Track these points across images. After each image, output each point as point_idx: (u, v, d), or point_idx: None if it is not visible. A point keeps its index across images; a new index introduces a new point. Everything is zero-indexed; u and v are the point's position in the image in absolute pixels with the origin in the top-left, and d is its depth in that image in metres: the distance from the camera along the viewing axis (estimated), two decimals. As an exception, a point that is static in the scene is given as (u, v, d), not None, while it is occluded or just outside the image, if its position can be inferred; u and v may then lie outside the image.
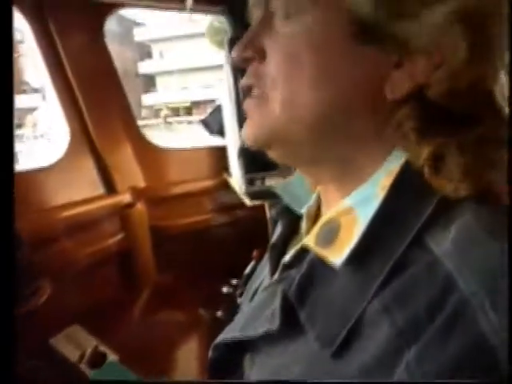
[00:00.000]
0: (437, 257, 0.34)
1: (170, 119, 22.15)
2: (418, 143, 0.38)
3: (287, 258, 0.46)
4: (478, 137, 0.36)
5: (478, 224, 0.35)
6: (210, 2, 1.72)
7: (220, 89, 1.71)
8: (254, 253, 1.36)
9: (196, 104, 23.76)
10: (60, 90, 1.51)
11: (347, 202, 0.41)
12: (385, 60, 0.38)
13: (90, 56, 1.58)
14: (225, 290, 1.57)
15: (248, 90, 0.44)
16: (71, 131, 1.53)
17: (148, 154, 1.71)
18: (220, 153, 1.82)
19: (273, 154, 0.45)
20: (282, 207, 0.56)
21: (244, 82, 0.44)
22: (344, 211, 0.41)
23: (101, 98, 1.61)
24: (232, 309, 1.56)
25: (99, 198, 1.54)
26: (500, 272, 0.31)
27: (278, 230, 0.55)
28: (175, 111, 24.35)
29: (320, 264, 0.40)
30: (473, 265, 0.32)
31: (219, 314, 1.57)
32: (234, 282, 1.58)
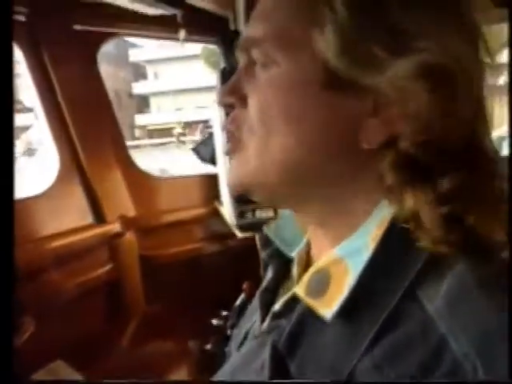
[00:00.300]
0: (429, 315, 0.33)
1: (183, 138, 21.72)
2: (400, 197, 0.37)
3: (277, 306, 0.46)
4: (456, 188, 0.36)
5: (471, 279, 0.34)
6: (202, 32, 1.75)
7: (212, 118, 1.72)
8: (244, 285, 1.34)
9: (189, 125, 23.90)
10: (51, 119, 1.51)
11: (337, 252, 0.41)
12: (359, 108, 0.38)
13: (83, 85, 1.59)
14: (214, 321, 1.54)
15: (229, 136, 0.45)
16: (61, 159, 1.52)
17: (138, 182, 1.70)
18: (211, 181, 1.82)
19: (255, 198, 0.45)
20: (272, 250, 0.55)
21: (226, 127, 0.45)
22: (334, 261, 0.41)
23: (92, 127, 1.61)
24: (221, 341, 1.53)
25: (88, 227, 1.52)
26: (493, 331, 0.30)
27: (269, 274, 0.54)
28: (168, 132, 24.43)
29: (310, 315, 0.40)
30: (465, 325, 0.31)
31: (208, 346, 1.53)
32: (224, 313, 1.55)
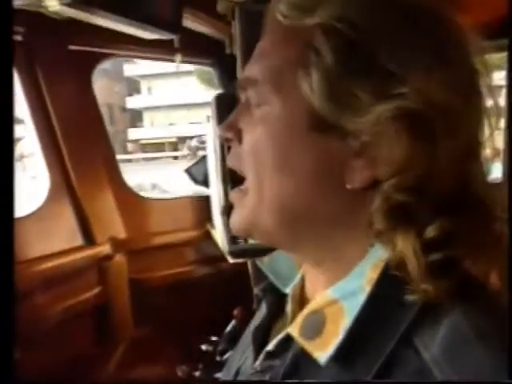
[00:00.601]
0: (425, 363, 0.33)
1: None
2: (390, 242, 0.37)
3: (271, 346, 0.45)
4: (444, 235, 0.36)
5: (467, 328, 0.34)
6: (198, 55, 1.76)
7: (207, 140, 1.72)
8: (235, 312, 1.33)
9: (182, 140, 23.96)
10: (43, 139, 1.49)
11: (333, 293, 0.41)
12: (344, 149, 0.39)
13: (77, 105, 1.58)
14: (204, 347, 1.51)
15: (232, 172, 0.46)
16: (52, 179, 1.50)
17: (130, 203, 1.68)
18: (203, 203, 1.81)
19: (256, 240, 0.46)
20: (266, 285, 0.55)
21: (229, 163, 0.47)
22: (329, 303, 0.40)
23: (84, 147, 1.59)
24: (211, 368, 1.50)
25: (77, 249, 1.49)
26: (491, 380, 0.30)
27: (263, 310, 0.54)
28: (160, 146, 24.44)
29: (304, 356, 0.39)
30: (461, 374, 0.31)
31: (197, 373, 1.50)
32: (214, 339, 1.52)
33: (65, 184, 1.52)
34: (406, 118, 0.35)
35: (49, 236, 1.43)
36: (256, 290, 0.58)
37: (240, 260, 1.29)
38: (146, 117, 26.74)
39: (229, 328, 1.32)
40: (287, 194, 0.41)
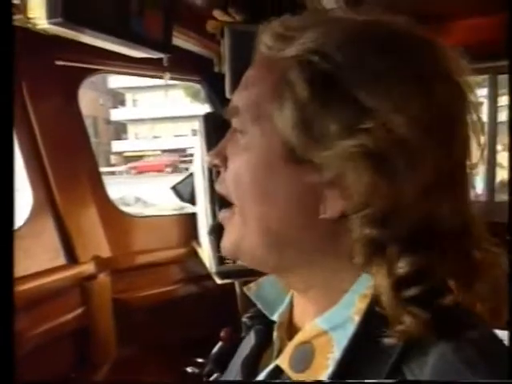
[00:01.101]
0: None
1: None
2: (372, 274, 0.38)
3: (262, 377, 0.45)
4: (419, 270, 0.36)
5: (453, 355, 0.34)
6: (187, 73, 1.76)
7: (194, 158, 1.71)
8: (222, 333, 1.30)
9: (166, 152, 23.88)
10: (26, 154, 1.46)
11: (321, 324, 0.41)
12: (318, 179, 0.39)
13: (62, 120, 1.56)
14: (189, 369, 1.47)
15: (221, 197, 0.47)
16: (35, 196, 1.46)
17: (114, 220, 1.65)
18: (188, 221, 1.79)
19: (244, 262, 0.47)
20: (254, 312, 0.55)
21: (217, 188, 0.48)
22: (318, 334, 0.40)
23: (69, 163, 1.56)
24: (197, 391, 1.47)
25: (59, 268, 1.44)
26: None
27: (251, 339, 0.53)
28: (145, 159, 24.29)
29: None
30: None
31: (183, 396, 1.47)
32: (199, 360, 1.49)
33: (48, 201, 1.48)
34: (368, 154, 0.36)
35: (30, 255, 1.39)
36: (243, 318, 0.57)
37: (227, 281, 1.28)
38: (131, 129, 26.61)
39: (216, 349, 1.28)
40: (268, 220, 0.42)
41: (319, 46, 0.39)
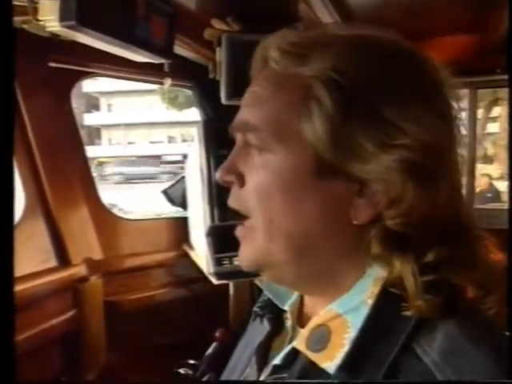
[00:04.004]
0: (427, 367, 0.37)
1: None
2: (387, 265, 0.42)
3: (278, 360, 0.47)
4: (440, 260, 0.41)
5: (460, 333, 0.39)
6: (179, 78, 1.78)
7: (186, 163, 1.72)
8: (218, 334, 1.32)
9: (141, 159, 23.55)
10: (18, 156, 1.44)
11: (337, 308, 0.44)
12: (347, 189, 0.42)
13: (54, 122, 1.55)
14: (182, 371, 1.48)
15: (236, 212, 0.48)
16: (27, 197, 1.45)
17: (107, 222, 1.64)
18: (180, 223, 1.80)
19: (265, 276, 0.49)
20: (265, 302, 0.57)
21: (230, 204, 0.48)
22: (333, 317, 0.44)
23: (61, 164, 1.55)
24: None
25: (51, 270, 1.43)
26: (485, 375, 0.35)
27: (266, 326, 0.55)
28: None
29: (312, 368, 0.42)
30: (460, 374, 0.36)
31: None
32: (192, 362, 1.49)
33: (39, 202, 1.47)
34: (410, 167, 0.40)
35: (22, 257, 1.37)
36: (255, 308, 0.60)
37: (224, 281, 1.30)
38: (105, 134, 26.11)
39: (210, 350, 1.30)
40: (296, 233, 0.44)
41: (337, 64, 0.41)
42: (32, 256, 1.41)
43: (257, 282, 0.57)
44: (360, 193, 0.42)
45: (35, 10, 0.94)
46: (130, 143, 24.78)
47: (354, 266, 0.45)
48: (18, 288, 1.29)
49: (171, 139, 23.58)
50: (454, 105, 0.44)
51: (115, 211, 1.75)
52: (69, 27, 0.88)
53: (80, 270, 1.48)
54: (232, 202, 0.48)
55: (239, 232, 0.48)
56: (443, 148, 0.42)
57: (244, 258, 0.48)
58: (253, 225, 0.46)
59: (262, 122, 0.44)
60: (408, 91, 0.42)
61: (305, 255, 0.44)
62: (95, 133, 25.86)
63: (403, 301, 0.40)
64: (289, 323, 0.52)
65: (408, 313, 0.40)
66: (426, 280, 0.40)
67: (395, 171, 0.40)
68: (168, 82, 1.36)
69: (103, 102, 25.91)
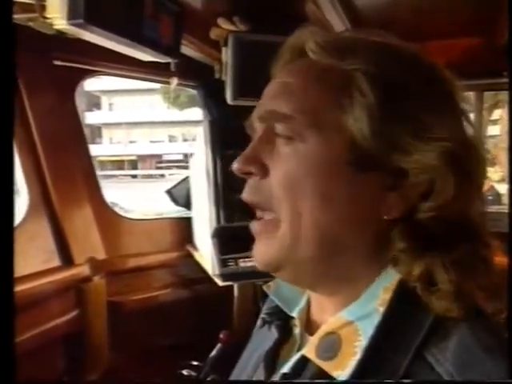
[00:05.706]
0: (440, 376, 0.37)
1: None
2: (409, 261, 0.41)
3: (287, 368, 0.46)
4: (463, 256, 0.40)
5: (474, 342, 0.38)
6: (184, 77, 1.77)
7: (191, 163, 1.72)
8: (222, 335, 1.31)
9: (142, 158, 23.58)
10: (22, 155, 1.43)
11: (348, 316, 0.43)
12: (380, 183, 0.42)
13: (59, 121, 1.54)
14: (185, 372, 1.47)
15: (253, 206, 0.46)
16: (30, 196, 1.44)
17: (110, 222, 1.63)
18: (184, 224, 1.79)
19: (282, 275, 0.47)
20: (273, 308, 0.56)
21: (247, 197, 0.46)
22: (344, 324, 0.43)
23: (65, 163, 1.54)
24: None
25: (54, 270, 1.42)
26: None
27: (274, 333, 0.55)
28: (120, 164, 23.90)
29: (322, 377, 0.41)
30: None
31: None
32: (195, 363, 1.49)
33: (43, 202, 1.46)
34: (451, 158, 0.40)
35: (25, 257, 1.36)
36: (262, 314, 0.59)
37: (230, 283, 1.29)
38: (106, 133, 26.12)
39: (214, 352, 1.29)
40: (327, 224, 0.43)
41: (380, 61, 0.42)
42: (35, 255, 1.40)
43: (264, 288, 0.55)
44: (394, 186, 0.42)
45: (42, 8, 0.93)
46: (130, 142, 24.80)
47: (370, 268, 0.44)
48: (21, 287, 1.28)
49: (172, 138, 23.61)
50: (466, 107, 0.45)
51: (117, 210, 1.74)
52: (77, 25, 0.87)
53: (83, 269, 1.47)
54: (250, 195, 0.46)
55: (256, 227, 0.46)
56: (473, 144, 0.42)
57: (262, 255, 0.46)
58: (277, 218, 0.44)
59: (296, 111, 0.43)
60: (435, 94, 0.43)
61: (331, 252, 0.43)
62: (96, 131, 25.87)
63: (417, 304, 0.40)
64: (297, 330, 0.51)
65: (426, 314, 0.39)
66: (453, 278, 0.40)
67: (439, 162, 0.40)
68: (174, 81, 1.35)
69: (104, 100, 25.92)
